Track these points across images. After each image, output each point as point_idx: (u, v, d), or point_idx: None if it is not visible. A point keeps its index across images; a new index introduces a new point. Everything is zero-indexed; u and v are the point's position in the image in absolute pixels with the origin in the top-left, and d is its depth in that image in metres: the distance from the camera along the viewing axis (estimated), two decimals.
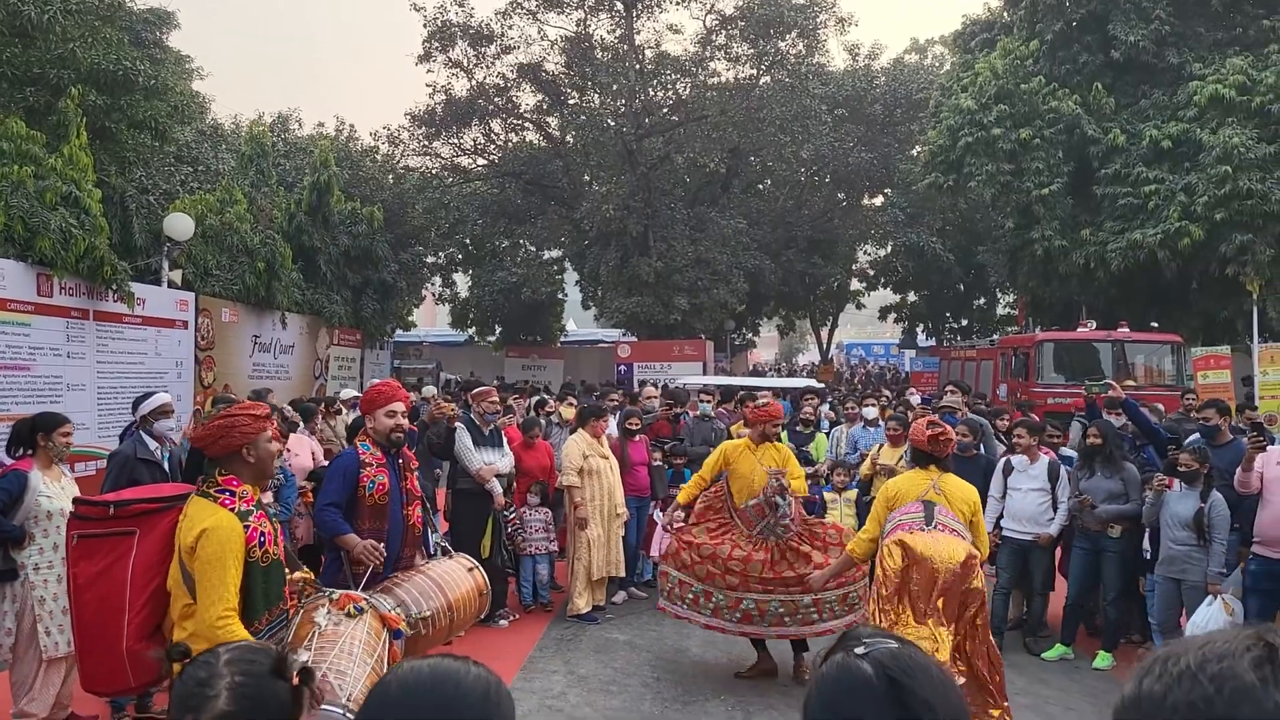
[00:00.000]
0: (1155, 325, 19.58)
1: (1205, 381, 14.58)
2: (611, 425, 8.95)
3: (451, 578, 4.39)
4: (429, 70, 26.00)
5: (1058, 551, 7.73)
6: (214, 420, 3.50)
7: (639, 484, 8.83)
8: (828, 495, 9.02)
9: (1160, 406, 10.58)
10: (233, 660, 1.76)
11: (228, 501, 3.40)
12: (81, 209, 9.94)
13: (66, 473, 5.67)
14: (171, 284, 12.51)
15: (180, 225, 12.15)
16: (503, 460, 7.99)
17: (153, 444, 5.97)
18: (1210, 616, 6.32)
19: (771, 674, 6.67)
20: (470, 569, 4.60)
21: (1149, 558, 7.06)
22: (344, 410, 10.78)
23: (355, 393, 12.11)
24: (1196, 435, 7.49)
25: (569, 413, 9.69)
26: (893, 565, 4.86)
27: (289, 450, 7.30)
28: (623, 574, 8.46)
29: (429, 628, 4.39)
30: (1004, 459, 7.79)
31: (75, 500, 4.40)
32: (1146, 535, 7.04)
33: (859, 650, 1.32)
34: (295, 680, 1.80)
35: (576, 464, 8.04)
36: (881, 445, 8.78)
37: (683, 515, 6.86)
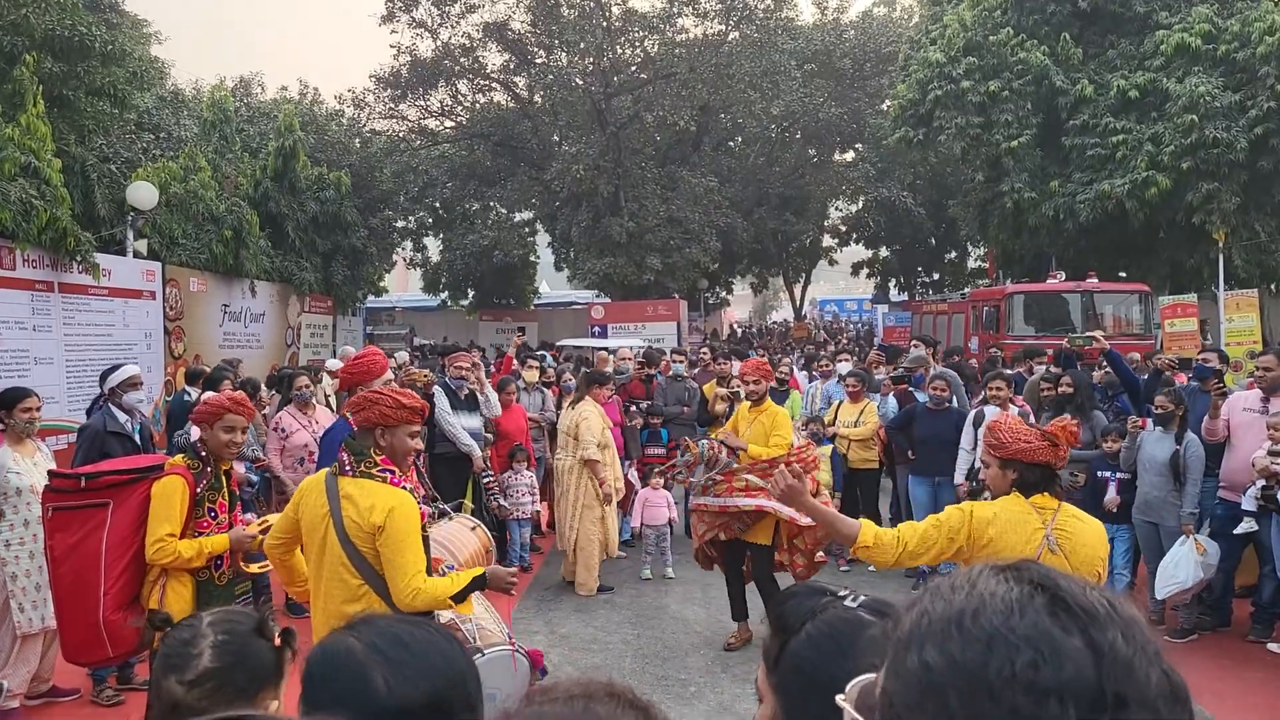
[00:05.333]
0: (1123, 275, 19.76)
1: (1172, 330, 14.72)
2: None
3: (458, 538, 4.41)
4: (393, 31, 25.72)
5: None
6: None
7: (613, 444, 8.83)
8: None
9: (1135, 355, 10.73)
10: (216, 622, 1.80)
11: (396, 481, 3.49)
12: (42, 179, 9.76)
13: (41, 448, 5.54)
14: (137, 254, 12.33)
15: (144, 194, 11.95)
16: (477, 418, 8.01)
17: (122, 417, 5.90)
18: (1181, 556, 6.36)
19: (749, 641, 6.73)
20: (473, 528, 4.62)
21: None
22: (325, 377, 10.69)
23: (340, 362, 12.01)
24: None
25: (531, 376, 9.69)
26: None
27: (284, 431, 7.22)
28: (617, 552, 8.37)
29: None
30: (975, 410, 7.87)
31: (50, 473, 4.38)
32: (1113, 485, 7.10)
33: (850, 602, 1.37)
34: (277, 641, 1.82)
35: (598, 437, 7.90)
36: (842, 402, 8.82)
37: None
